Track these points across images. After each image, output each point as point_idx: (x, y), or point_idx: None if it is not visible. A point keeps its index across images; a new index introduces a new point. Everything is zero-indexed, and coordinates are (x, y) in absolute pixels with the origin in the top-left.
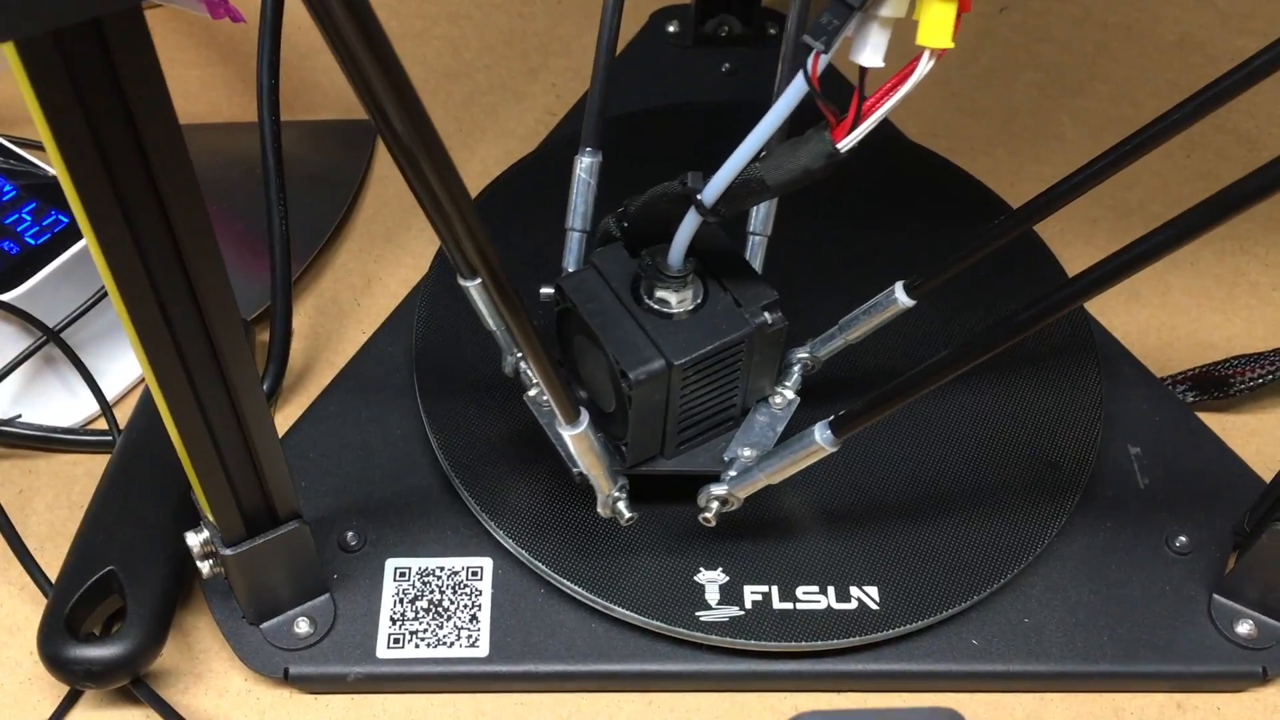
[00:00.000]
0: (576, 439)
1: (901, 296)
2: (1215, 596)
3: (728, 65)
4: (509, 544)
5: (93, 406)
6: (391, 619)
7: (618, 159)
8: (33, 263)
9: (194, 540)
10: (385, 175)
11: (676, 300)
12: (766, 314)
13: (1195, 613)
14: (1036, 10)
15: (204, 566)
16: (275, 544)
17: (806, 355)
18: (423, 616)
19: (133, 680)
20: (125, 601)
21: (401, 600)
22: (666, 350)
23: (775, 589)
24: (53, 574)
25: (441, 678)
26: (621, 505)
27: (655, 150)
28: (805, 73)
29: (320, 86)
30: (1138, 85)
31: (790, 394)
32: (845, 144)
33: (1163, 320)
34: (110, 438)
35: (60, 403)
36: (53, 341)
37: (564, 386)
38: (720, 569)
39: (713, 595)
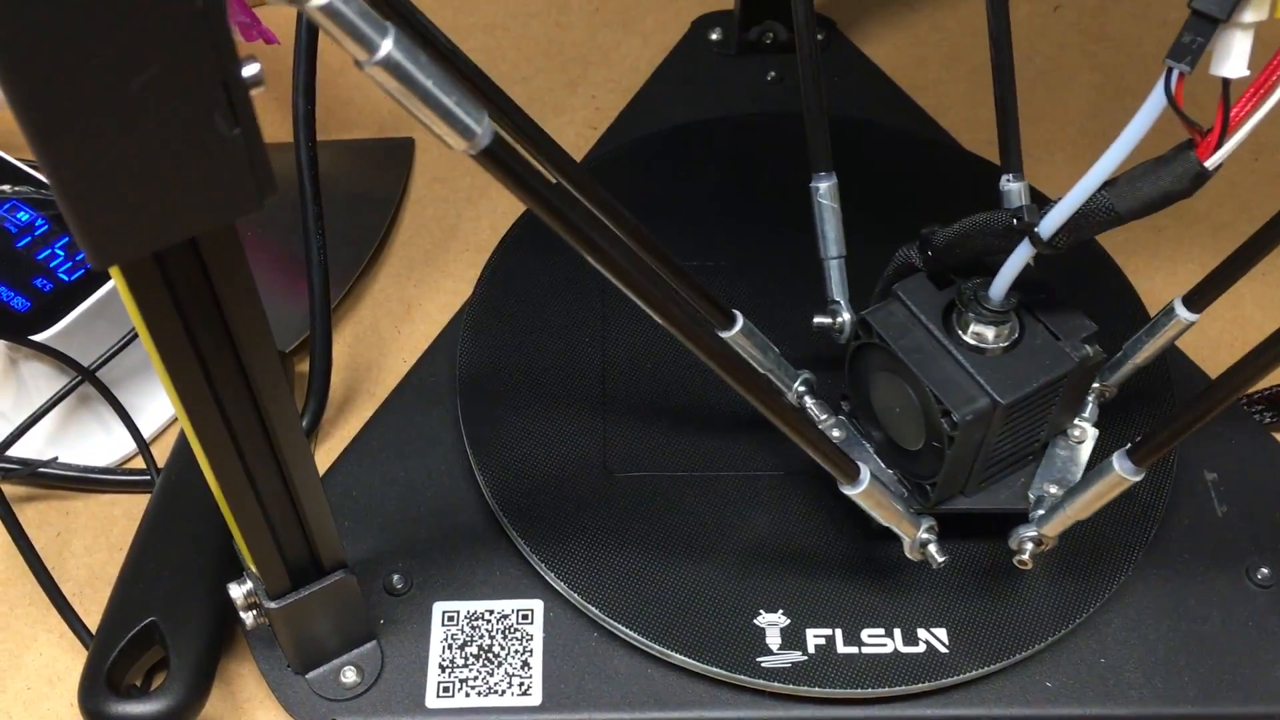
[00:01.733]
0: (863, 495)
1: (1183, 312)
2: None
3: (773, 73)
4: (560, 586)
5: (129, 445)
6: (440, 666)
7: (664, 174)
8: (66, 300)
9: (237, 592)
10: (422, 196)
11: (994, 335)
12: (1087, 347)
13: None
14: (1092, 9)
15: (248, 618)
16: (321, 595)
17: (1098, 385)
18: (472, 663)
19: None
20: (168, 654)
21: (450, 646)
22: (991, 388)
23: (839, 632)
24: (92, 621)
25: None
26: (933, 549)
27: (703, 164)
28: (1169, 93)
29: (354, 104)
30: (1198, 84)
31: (1088, 426)
32: (1214, 161)
33: (1235, 335)
34: (149, 477)
35: (96, 442)
36: (87, 381)
37: (834, 451)
38: (781, 611)
39: (774, 639)
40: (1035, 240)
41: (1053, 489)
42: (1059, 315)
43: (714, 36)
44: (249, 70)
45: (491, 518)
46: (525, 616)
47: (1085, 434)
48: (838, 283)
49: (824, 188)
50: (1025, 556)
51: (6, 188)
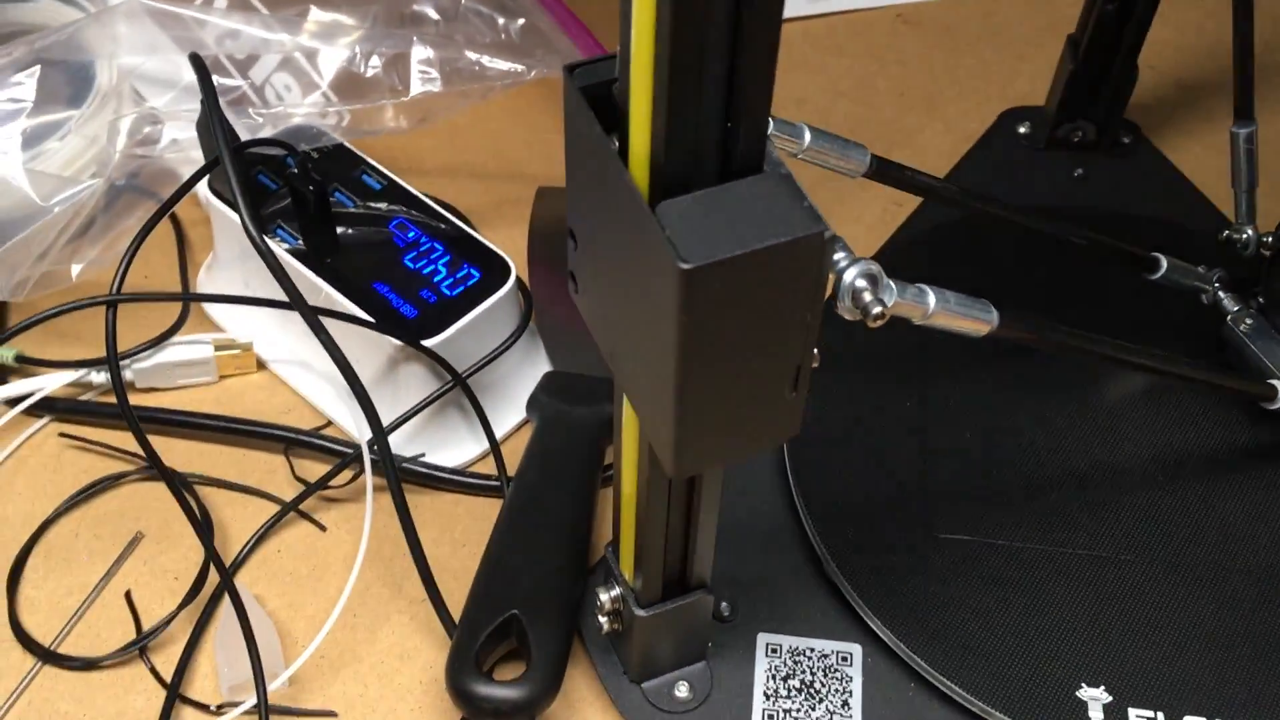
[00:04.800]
0: None
1: None
2: None
3: (1080, 170)
4: (884, 633)
5: (477, 449)
6: (765, 694)
7: (964, 261)
8: (447, 312)
9: (604, 596)
10: None
11: None
12: None
13: None
14: None
15: (604, 621)
16: (681, 610)
17: None
18: (795, 695)
19: None
20: (529, 646)
21: (774, 676)
22: None
23: (1162, 715)
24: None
25: None
26: None
27: (1013, 252)
28: None
29: None
30: None
31: None
32: None
33: None
34: (498, 483)
35: (451, 444)
36: (459, 386)
37: (1241, 382)
38: (1103, 687)
39: (1095, 715)
40: None
41: None
42: None
43: (1022, 130)
44: (816, 351)
45: (813, 557)
46: (845, 658)
47: None
48: (1245, 209)
49: (1242, 134)
50: None
51: (400, 208)
